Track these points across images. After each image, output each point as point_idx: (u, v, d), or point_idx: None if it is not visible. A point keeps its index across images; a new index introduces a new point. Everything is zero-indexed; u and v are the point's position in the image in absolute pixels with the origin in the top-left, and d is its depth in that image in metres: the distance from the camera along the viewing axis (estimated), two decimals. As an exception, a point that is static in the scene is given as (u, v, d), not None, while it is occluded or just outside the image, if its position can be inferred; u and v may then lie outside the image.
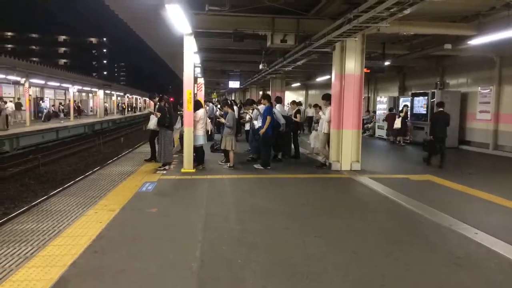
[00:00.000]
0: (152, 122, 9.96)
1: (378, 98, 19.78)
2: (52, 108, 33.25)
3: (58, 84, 30.98)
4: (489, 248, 4.53)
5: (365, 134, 18.11)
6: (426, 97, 15.53)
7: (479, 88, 14.21)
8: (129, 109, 56.21)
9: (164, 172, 8.96)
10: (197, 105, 9.59)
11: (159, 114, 9.23)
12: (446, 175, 8.80)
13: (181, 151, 10.70)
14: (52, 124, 24.43)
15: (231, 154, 9.72)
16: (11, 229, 4.94)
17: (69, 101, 32.26)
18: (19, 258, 4.01)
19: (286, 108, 16.00)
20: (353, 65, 9.49)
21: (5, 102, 21.00)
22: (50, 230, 4.88)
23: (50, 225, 5.06)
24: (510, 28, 8.86)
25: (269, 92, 24.56)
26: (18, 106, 25.31)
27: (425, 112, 15.51)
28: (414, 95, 16.57)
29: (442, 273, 3.90)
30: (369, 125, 20.00)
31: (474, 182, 8.10)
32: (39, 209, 5.87)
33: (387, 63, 13.96)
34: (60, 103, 35.08)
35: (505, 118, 13.16)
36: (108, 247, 4.38)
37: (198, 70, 17.09)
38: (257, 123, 10.22)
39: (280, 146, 10.95)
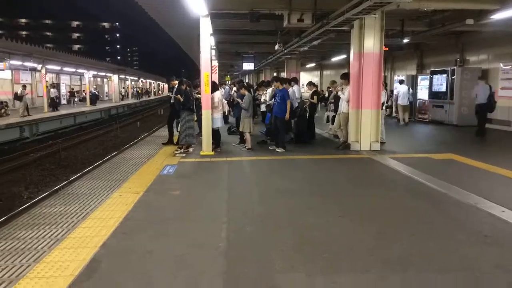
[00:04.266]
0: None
1: (396, 77, 19.40)
2: (68, 94, 33.60)
3: (73, 70, 31.23)
4: (517, 226, 4.48)
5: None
6: (446, 75, 15.20)
7: (501, 64, 13.80)
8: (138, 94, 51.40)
9: (184, 155, 9.02)
10: (214, 87, 9.55)
11: (181, 98, 9.26)
12: (469, 153, 8.65)
13: (199, 134, 10.75)
14: (69, 110, 24.74)
15: (247, 136, 9.73)
16: (39, 212, 5.06)
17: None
18: (50, 240, 4.11)
19: (302, 89, 15.85)
20: (372, 43, 9.30)
21: (25, 87, 21.03)
22: (78, 212, 4.99)
23: (78, 208, 5.17)
24: (537, 0, 8.55)
25: (283, 74, 24.44)
26: None
27: (444, 90, 15.20)
28: (433, 73, 16.21)
29: (470, 252, 3.87)
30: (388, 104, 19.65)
31: (497, 160, 7.94)
32: (65, 193, 6.00)
33: (405, 40, 13.63)
34: (72, 88, 35.31)
35: (528, 95, 12.80)
36: (136, 229, 4.46)
37: (213, 52, 16.96)
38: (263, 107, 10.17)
39: (291, 127, 10.89)
